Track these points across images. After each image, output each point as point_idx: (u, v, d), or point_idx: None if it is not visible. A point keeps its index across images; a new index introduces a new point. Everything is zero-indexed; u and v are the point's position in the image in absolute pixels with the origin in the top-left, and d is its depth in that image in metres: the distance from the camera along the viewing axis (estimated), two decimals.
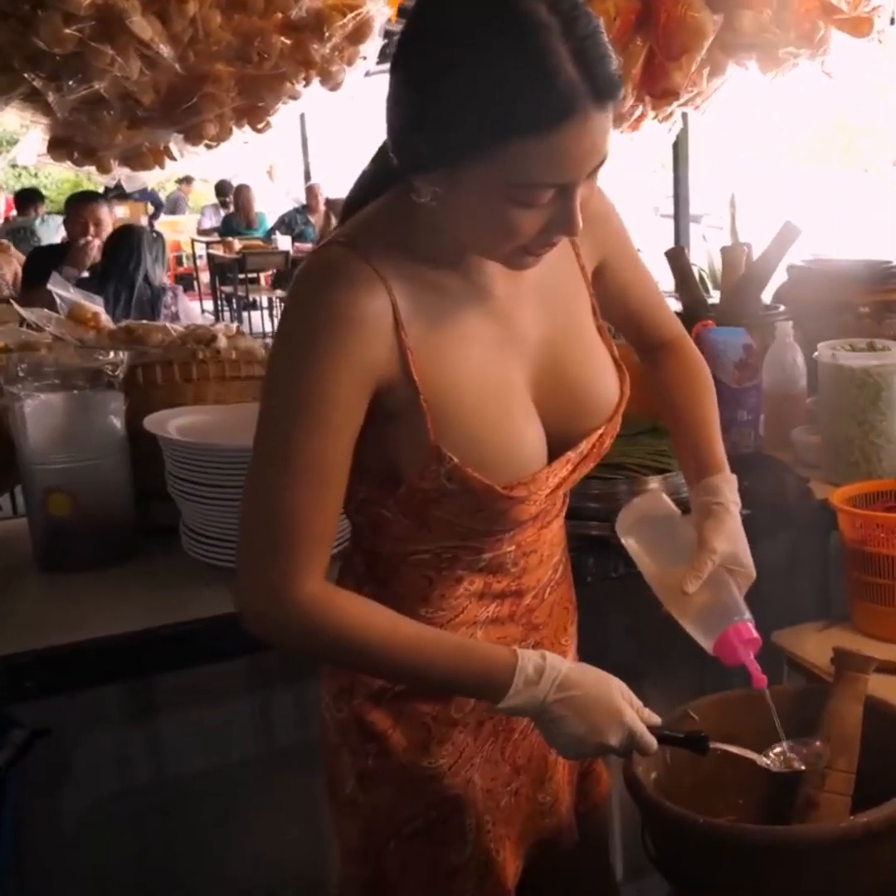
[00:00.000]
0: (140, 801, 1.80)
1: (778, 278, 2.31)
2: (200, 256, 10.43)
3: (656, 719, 1.09)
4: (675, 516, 1.20)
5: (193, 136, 2.34)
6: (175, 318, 4.20)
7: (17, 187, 9.97)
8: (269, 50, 2.25)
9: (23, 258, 5.25)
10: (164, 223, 11.52)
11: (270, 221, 10.09)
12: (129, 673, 1.48)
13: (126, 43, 2.04)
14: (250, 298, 9.21)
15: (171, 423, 1.62)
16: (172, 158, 2.49)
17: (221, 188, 11.15)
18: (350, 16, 2.32)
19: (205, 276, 10.33)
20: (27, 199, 8.18)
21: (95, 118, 2.22)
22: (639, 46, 2.26)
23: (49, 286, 2.15)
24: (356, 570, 1.16)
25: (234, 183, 10.55)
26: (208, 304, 9.93)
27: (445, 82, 0.92)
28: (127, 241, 4.23)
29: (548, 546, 1.19)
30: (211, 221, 11.12)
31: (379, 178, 1.09)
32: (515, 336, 1.10)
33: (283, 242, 9.07)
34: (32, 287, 3.98)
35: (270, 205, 10.77)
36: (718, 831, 1.18)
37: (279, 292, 8.92)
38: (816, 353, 1.89)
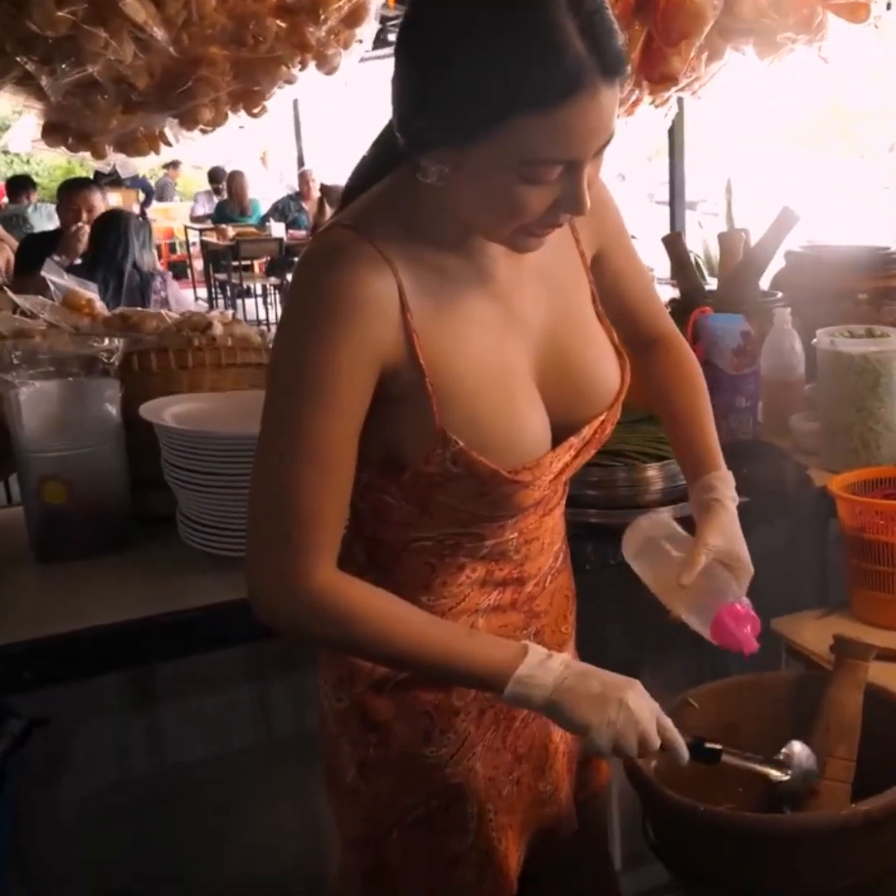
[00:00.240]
0: (139, 790, 1.79)
1: (775, 265, 2.30)
2: (194, 243, 10.38)
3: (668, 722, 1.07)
4: (675, 532, 1.21)
5: (188, 120, 2.32)
6: (165, 303, 4.18)
7: (9, 174, 9.90)
8: (265, 33, 2.23)
9: (15, 245, 5.22)
10: (156, 210, 11.47)
11: (264, 208, 10.03)
12: (128, 662, 1.48)
13: (119, 26, 2.03)
14: (244, 286, 9.17)
15: (167, 411, 1.61)
16: (168, 144, 2.48)
17: (215, 175, 11.09)
18: None
19: (198, 264, 10.29)
20: (19, 186, 8.13)
21: (89, 102, 2.20)
22: (637, 31, 2.24)
23: (43, 273, 2.14)
24: (356, 558, 1.15)
25: (228, 169, 10.49)
26: (202, 292, 9.89)
27: (454, 59, 0.92)
28: (114, 227, 4.19)
29: (549, 534, 1.19)
30: (204, 208, 11.06)
31: (379, 164, 1.08)
32: (518, 320, 1.10)
33: (277, 229, 9.02)
34: (25, 274, 3.95)
35: (264, 191, 10.71)
36: (720, 819, 1.18)
37: (273, 280, 8.89)
38: (815, 340, 1.89)
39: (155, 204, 11.70)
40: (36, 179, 9.41)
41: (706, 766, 1.13)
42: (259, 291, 9.25)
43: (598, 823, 1.40)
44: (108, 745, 1.78)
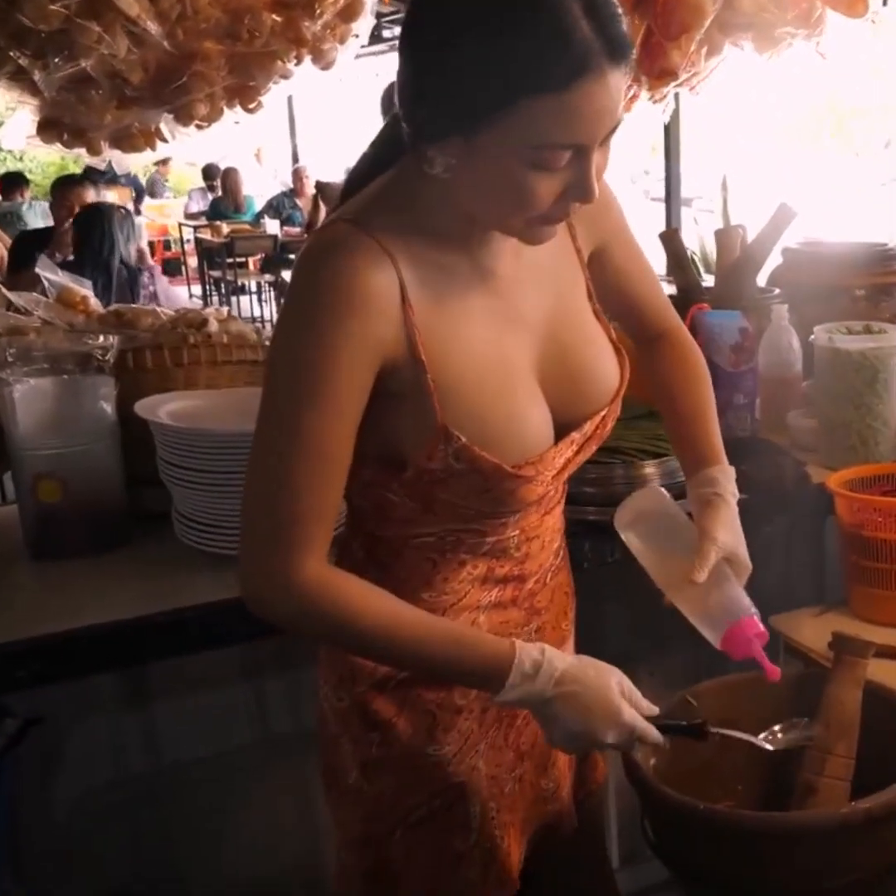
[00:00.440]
0: (135, 789, 1.79)
1: (773, 261, 2.30)
2: (188, 240, 10.35)
3: (654, 709, 1.09)
4: (673, 510, 1.20)
5: (184, 116, 2.31)
6: (154, 298, 4.16)
7: (2, 171, 9.86)
8: (260, 27, 2.22)
9: (9, 242, 5.21)
10: (150, 207, 11.44)
11: (258, 205, 10.01)
12: (123, 661, 1.47)
13: (112, 19, 2.01)
14: (239, 283, 9.16)
15: (163, 408, 1.60)
16: (164, 140, 2.46)
17: (209, 171, 11.06)
18: None
19: (192, 261, 10.26)
20: (12, 183, 8.10)
21: (84, 98, 2.19)
22: (637, 25, 2.22)
23: (37, 269, 2.13)
24: (355, 555, 1.15)
25: (222, 166, 10.47)
26: (196, 289, 9.87)
27: (461, 44, 0.91)
28: (97, 223, 4.13)
29: (550, 532, 1.19)
30: (198, 205, 11.03)
31: (380, 160, 1.08)
32: (518, 316, 1.10)
33: (272, 226, 9.01)
34: (19, 271, 3.94)
35: (258, 188, 10.69)
36: (719, 818, 1.18)
37: (267, 277, 8.87)
38: (813, 337, 1.88)
39: (148, 201, 11.67)
40: (30, 176, 9.38)
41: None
42: (254, 288, 9.24)
43: (596, 821, 1.40)
44: (104, 744, 1.77)
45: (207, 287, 9.67)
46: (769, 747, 1.18)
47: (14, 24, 2.04)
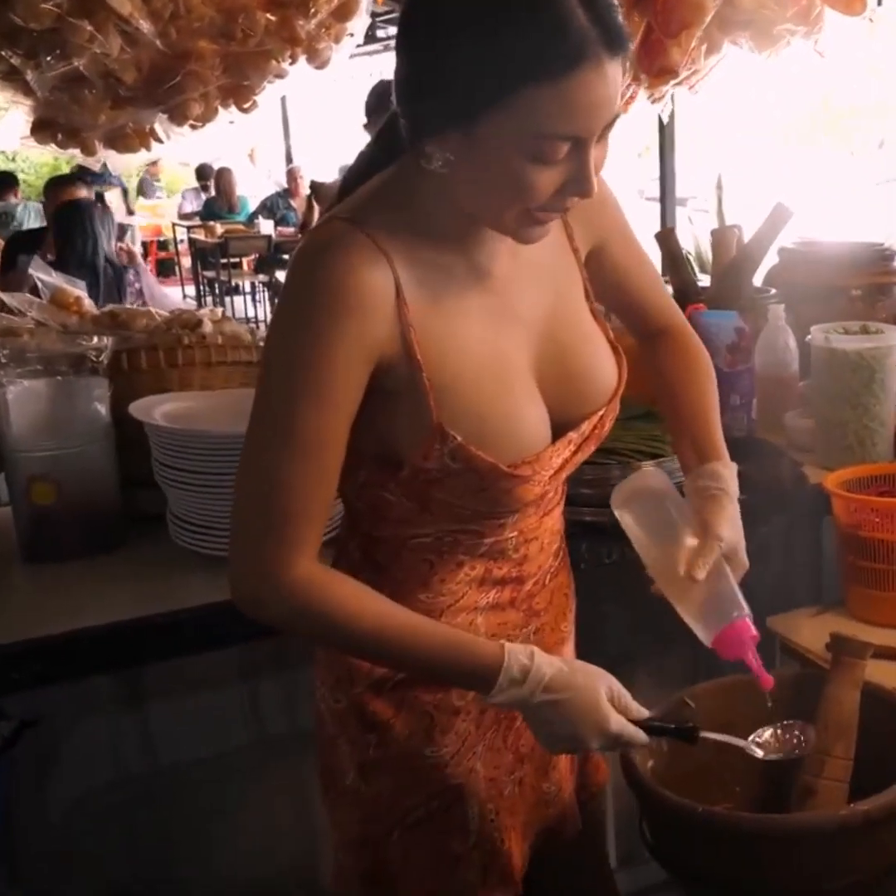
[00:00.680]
0: (131, 790, 1.78)
1: (769, 261, 2.30)
2: (182, 241, 10.34)
3: (645, 712, 1.08)
4: (673, 494, 1.18)
5: (178, 115, 2.30)
6: (140, 295, 4.13)
7: None
8: (254, 26, 2.21)
9: (1, 243, 5.19)
10: (143, 207, 11.42)
11: (252, 205, 10.00)
12: (119, 662, 1.46)
13: (104, 18, 2.01)
14: (233, 283, 9.14)
15: (157, 410, 1.60)
16: (159, 140, 2.46)
17: (202, 172, 11.04)
18: None
19: (186, 261, 10.24)
20: (3, 183, 8.07)
21: (77, 97, 2.19)
22: (636, 22, 2.22)
23: (31, 270, 2.12)
24: (352, 556, 1.15)
25: (215, 166, 10.45)
26: (190, 290, 9.85)
27: (458, 35, 0.91)
28: (77, 220, 4.04)
29: (548, 534, 1.18)
30: (192, 205, 11.01)
31: (377, 159, 1.07)
32: (515, 316, 1.09)
33: (266, 227, 9.00)
34: (11, 272, 3.92)
35: (252, 188, 10.67)
36: (717, 820, 1.17)
37: (261, 277, 8.86)
38: (809, 337, 1.88)
39: (142, 201, 11.64)
40: (22, 177, 9.35)
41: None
42: (247, 289, 9.22)
43: (597, 822, 1.40)
44: (101, 745, 1.77)
45: (201, 287, 9.66)
46: (760, 753, 1.17)
47: (6, 23, 2.03)
